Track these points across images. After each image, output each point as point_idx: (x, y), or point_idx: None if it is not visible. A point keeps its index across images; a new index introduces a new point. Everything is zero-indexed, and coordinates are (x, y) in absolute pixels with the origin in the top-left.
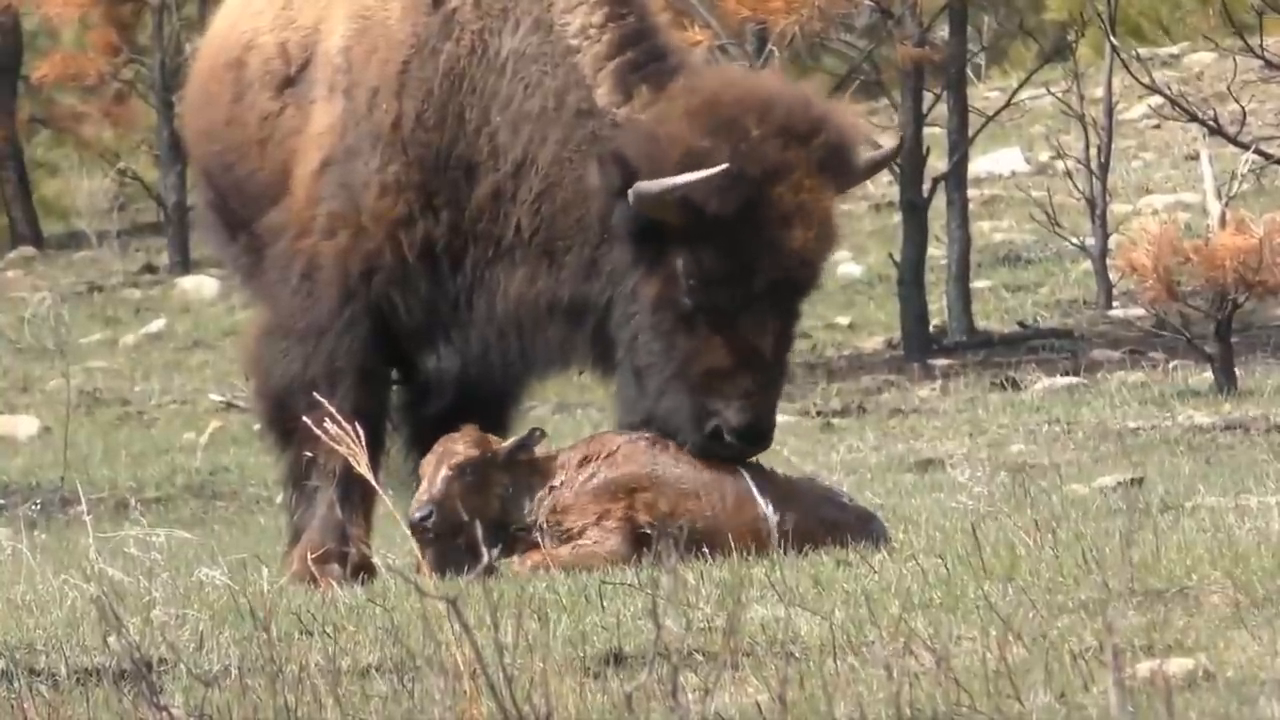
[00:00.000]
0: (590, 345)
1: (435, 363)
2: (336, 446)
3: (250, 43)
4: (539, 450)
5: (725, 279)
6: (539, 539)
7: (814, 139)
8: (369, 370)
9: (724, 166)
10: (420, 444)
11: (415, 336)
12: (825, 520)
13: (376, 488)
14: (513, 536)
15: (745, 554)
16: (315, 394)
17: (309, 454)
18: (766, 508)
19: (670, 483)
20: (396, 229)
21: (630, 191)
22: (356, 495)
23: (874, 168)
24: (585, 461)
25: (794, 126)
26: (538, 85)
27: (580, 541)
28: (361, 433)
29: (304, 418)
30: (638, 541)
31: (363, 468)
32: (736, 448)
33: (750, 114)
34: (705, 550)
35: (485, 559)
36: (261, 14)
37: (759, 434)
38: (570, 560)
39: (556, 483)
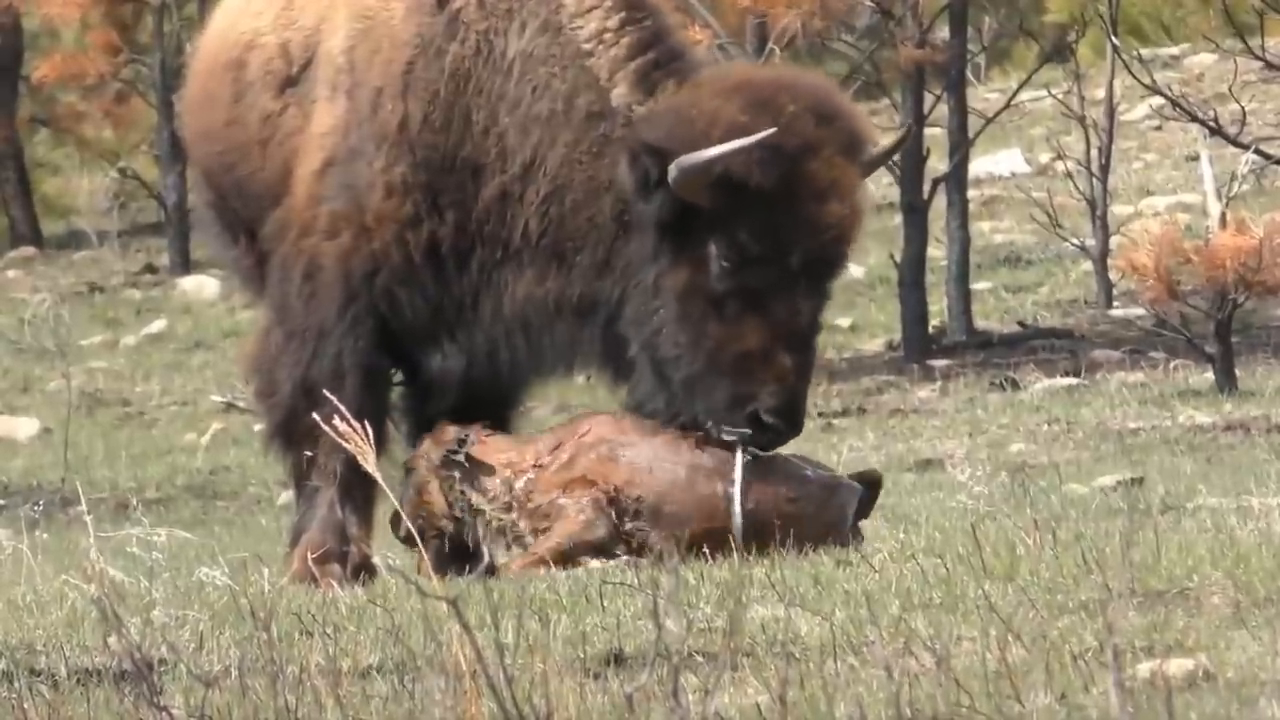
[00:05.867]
0: (599, 342)
1: (439, 362)
2: (345, 444)
3: (251, 43)
4: (511, 440)
5: (761, 258)
6: (515, 520)
7: (839, 120)
8: (372, 371)
9: (771, 130)
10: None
11: (419, 336)
12: (786, 497)
13: (384, 487)
14: (491, 523)
15: (746, 554)
16: (319, 395)
17: (309, 454)
18: (730, 485)
19: (627, 459)
20: (403, 229)
21: (672, 167)
22: (357, 495)
23: (884, 156)
24: (559, 445)
25: (822, 107)
26: (546, 87)
27: (555, 523)
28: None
29: (315, 416)
30: (611, 512)
31: (370, 466)
32: (774, 431)
33: (783, 92)
34: (645, 522)
35: (486, 559)
36: (262, 14)
37: (795, 415)
38: (554, 548)
39: (531, 471)
